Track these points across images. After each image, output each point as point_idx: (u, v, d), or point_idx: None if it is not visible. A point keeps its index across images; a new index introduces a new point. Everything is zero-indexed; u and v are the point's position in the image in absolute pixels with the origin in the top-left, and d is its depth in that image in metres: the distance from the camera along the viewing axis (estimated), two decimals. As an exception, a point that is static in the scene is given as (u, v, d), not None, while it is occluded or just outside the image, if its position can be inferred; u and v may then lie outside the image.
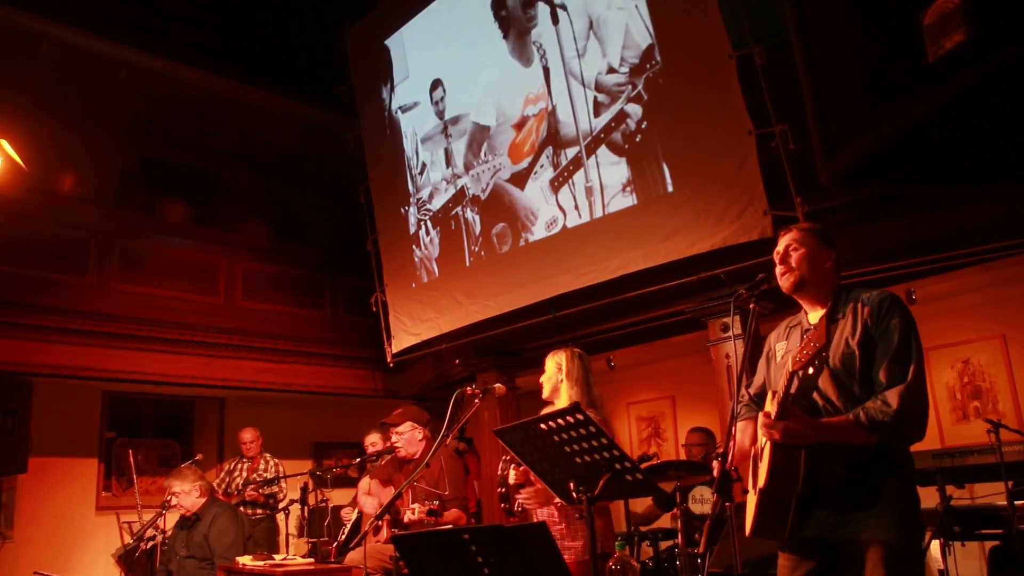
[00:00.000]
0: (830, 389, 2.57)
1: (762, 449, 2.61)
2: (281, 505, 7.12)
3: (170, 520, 5.83)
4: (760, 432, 2.59)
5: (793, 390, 2.58)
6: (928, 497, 5.27)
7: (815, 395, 2.60)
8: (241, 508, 7.25)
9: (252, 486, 7.30)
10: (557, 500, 3.66)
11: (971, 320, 7.07)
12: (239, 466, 7.59)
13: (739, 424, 2.87)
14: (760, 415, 2.58)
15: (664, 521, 6.55)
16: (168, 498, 5.64)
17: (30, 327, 7.19)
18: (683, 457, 6.66)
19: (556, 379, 4.03)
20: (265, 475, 7.42)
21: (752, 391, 2.96)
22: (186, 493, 5.56)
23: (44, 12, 7.63)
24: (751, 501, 2.64)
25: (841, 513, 2.49)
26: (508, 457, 4.02)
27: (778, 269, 2.75)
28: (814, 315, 2.74)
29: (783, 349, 2.81)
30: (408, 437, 4.87)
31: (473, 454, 8.14)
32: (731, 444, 2.73)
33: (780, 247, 2.78)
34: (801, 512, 2.51)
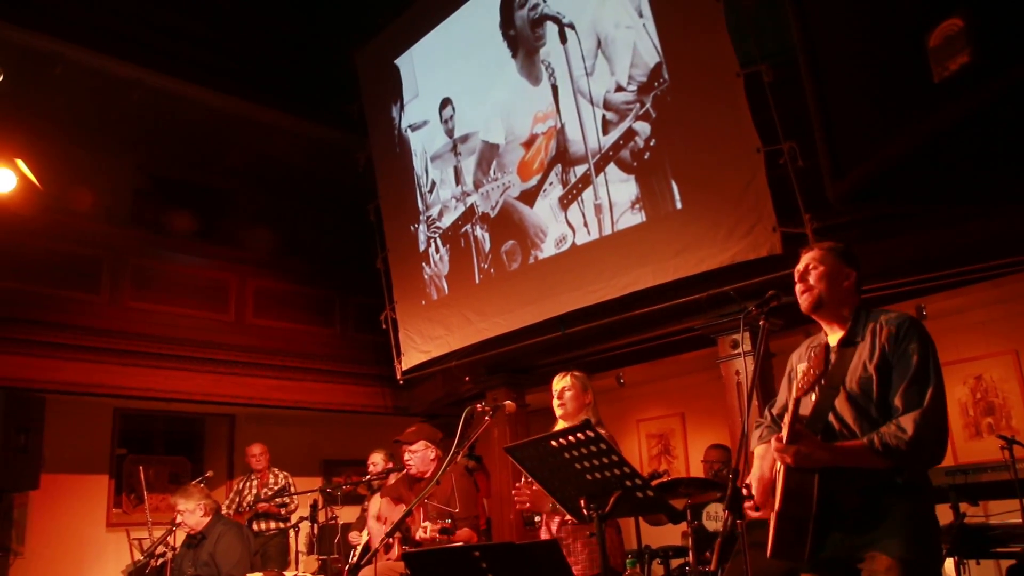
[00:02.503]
0: (847, 412, 2.57)
1: (778, 471, 2.61)
2: (292, 518, 7.12)
3: (180, 537, 5.83)
4: (775, 455, 2.59)
5: (807, 412, 2.58)
6: (942, 514, 5.24)
7: (831, 417, 2.59)
8: (254, 525, 7.24)
9: (263, 499, 7.30)
10: (550, 510, 3.70)
11: (983, 336, 7.04)
12: (248, 484, 7.61)
13: (760, 448, 2.86)
14: (773, 439, 2.58)
15: (676, 539, 6.53)
16: (175, 515, 5.65)
17: (43, 344, 7.24)
18: (696, 474, 6.63)
19: (583, 400, 4.11)
20: (275, 488, 7.44)
21: (775, 411, 2.94)
22: (190, 512, 5.56)
23: (59, 34, 7.73)
24: (772, 523, 2.63)
25: (858, 535, 2.48)
26: None
27: (797, 287, 2.75)
28: (833, 336, 2.74)
29: (803, 369, 2.80)
30: (421, 456, 4.87)
31: (483, 472, 8.12)
32: (742, 461, 2.72)
33: (800, 265, 2.78)
34: (819, 534, 2.49)
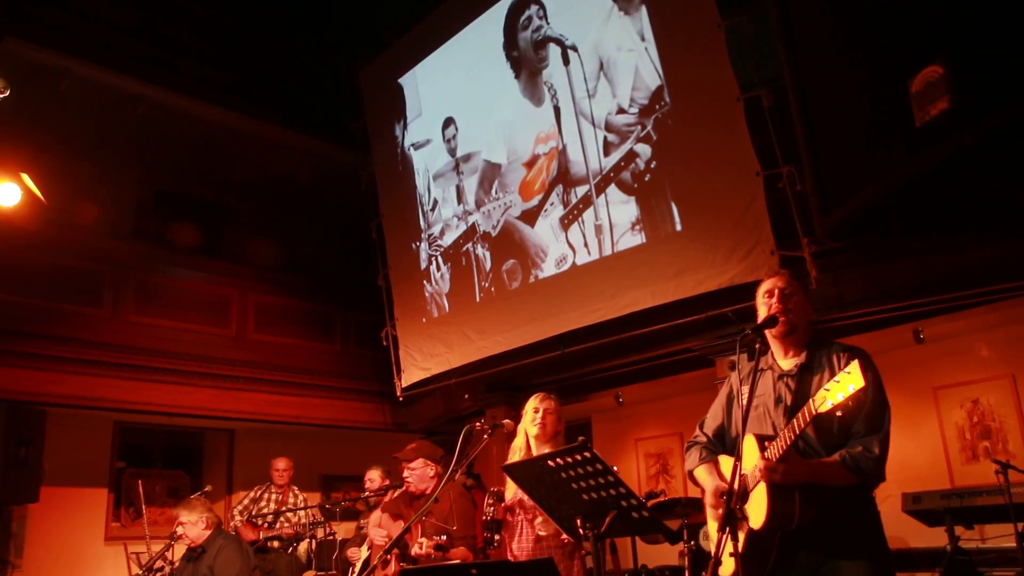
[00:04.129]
0: (812, 432, 2.67)
1: (749, 491, 2.66)
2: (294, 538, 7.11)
3: (178, 551, 5.84)
4: (755, 474, 2.64)
5: (773, 432, 2.66)
6: (936, 537, 5.27)
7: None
8: (270, 543, 7.16)
9: (289, 522, 7.22)
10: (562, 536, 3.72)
11: (980, 360, 7.06)
12: (267, 495, 7.51)
13: (704, 467, 2.94)
14: (759, 459, 2.63)
15: (673, 558, 6.54)
16: (175, 528, 5.65)
17: (45, 357, 7.27)
18: (694, 494, 6.63)
19: (558, 426, 4.12)
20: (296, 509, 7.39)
21: (710, 432, 3.02)
22: (192, 524, 5.56)
23: (66, 49, 7.82)
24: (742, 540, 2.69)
25: (821, 554, 2.59)
26: (495, 489, 4.08)
27: (775, 307, 2.80)
28: (786, 362, 2.84)
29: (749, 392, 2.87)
30: (420, 473, 4.87)
31: (481, 490, 8.11)
32: (736, 482, 2.76)
33: (773, 287, 2.84)
34: (782, 553, 2.60)
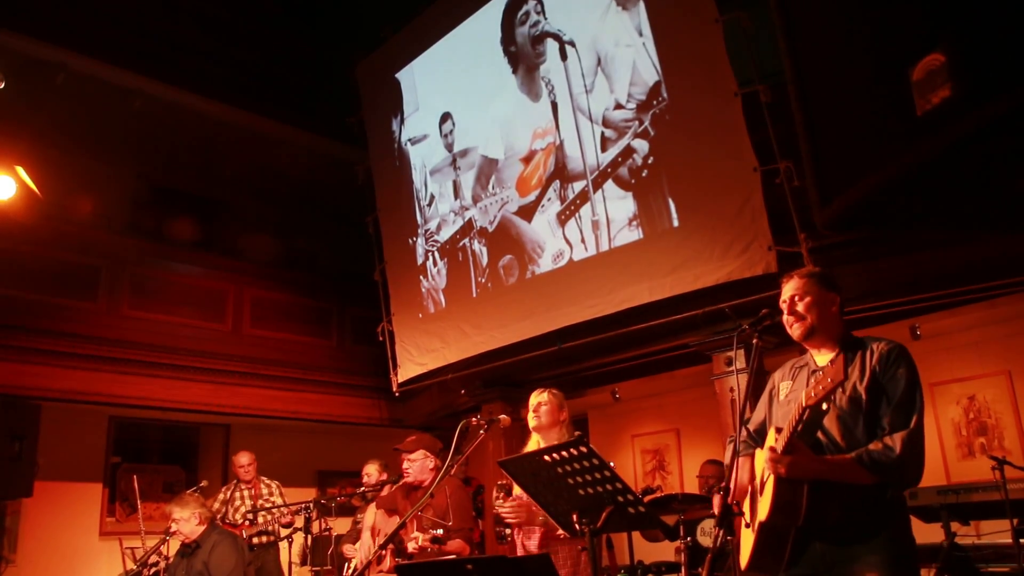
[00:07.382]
0: (834, 429, 2.62)
1: (763, 484, 2.64)
2: (284, 532, 7.07)
3: (173, 546, 5.83)
4: (764, 466, 2.62)
5: (800, 427, 2.61)
6: (933, 533, 5.27)
7: (819, 433, 2.65)
8: (256, 539, 7.06)
9: (272, 515, 7.11)
10: (542, 524, 3.71)
11: (976, 356, 7.07)
12: (238, 494, 7.35)
13: (738, 460, 2.90)
14: (766, 450, 2.61)
15: (669, 554, 6.53)
16: (169, 525, 5.64)
17: (40, 351, 7.25)
18: (691, 490, 6.64)
19: (558, 415, 4.10)
20: (272, 499, 7.30)
21: (752, 427, 2.99)
22: (185, 520, 5.55)
23: (62, 42, 7.79)
24: (747, 535, 2.67)
25: (838, 548, 2.54)
26: (503, 482, 4.06)
27: (787, 319, 2.79)
28: (821, 358, 2.79)
29: (787, 388, 2.84)
30: (419, 464, 4.87)
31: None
32: (733, 478, 2.75)
33: (785, 296, 2.82)
34: (798, 546, 2.55)
